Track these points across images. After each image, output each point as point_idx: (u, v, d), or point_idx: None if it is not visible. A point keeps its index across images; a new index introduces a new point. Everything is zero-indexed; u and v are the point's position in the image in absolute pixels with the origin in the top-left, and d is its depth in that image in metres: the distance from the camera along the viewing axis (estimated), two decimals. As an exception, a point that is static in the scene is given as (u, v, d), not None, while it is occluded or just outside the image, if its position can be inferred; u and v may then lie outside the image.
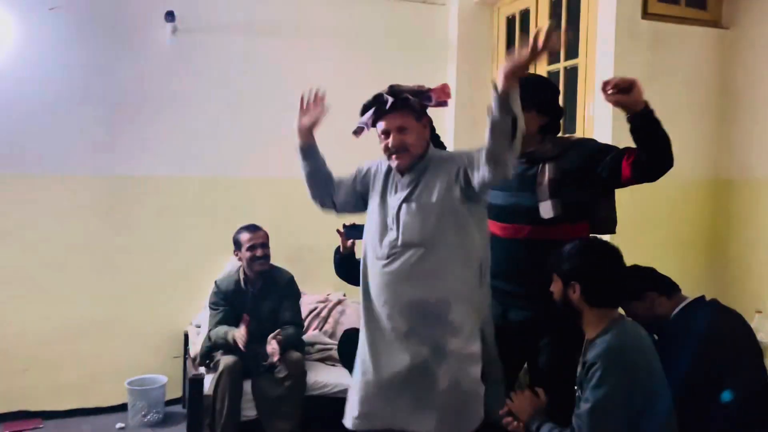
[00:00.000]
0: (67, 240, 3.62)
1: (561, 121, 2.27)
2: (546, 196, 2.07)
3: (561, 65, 3.63)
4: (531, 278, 2.06)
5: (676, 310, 2.13)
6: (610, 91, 1.89)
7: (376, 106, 2.04)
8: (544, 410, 1.89)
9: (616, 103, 1.92)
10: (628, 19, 3.11)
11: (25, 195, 3.54)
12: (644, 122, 1.89)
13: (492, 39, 4.29)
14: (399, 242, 2.01)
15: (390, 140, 2.02)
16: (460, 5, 4.23)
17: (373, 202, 2.17)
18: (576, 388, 1.83)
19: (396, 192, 2.09)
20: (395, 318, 2.01)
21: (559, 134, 2.26)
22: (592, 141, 2.25)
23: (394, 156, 2.05)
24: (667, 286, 2.18)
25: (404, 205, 2.03)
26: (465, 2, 4.23)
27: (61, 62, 3.55)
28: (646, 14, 3.16)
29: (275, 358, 2.96)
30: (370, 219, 2.17)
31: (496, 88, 1.73)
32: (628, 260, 2.82)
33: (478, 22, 4.27)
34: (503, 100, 1.72)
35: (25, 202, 3.55)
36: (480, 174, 1.87)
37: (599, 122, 3.22)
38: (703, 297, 2.18)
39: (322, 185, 2.29)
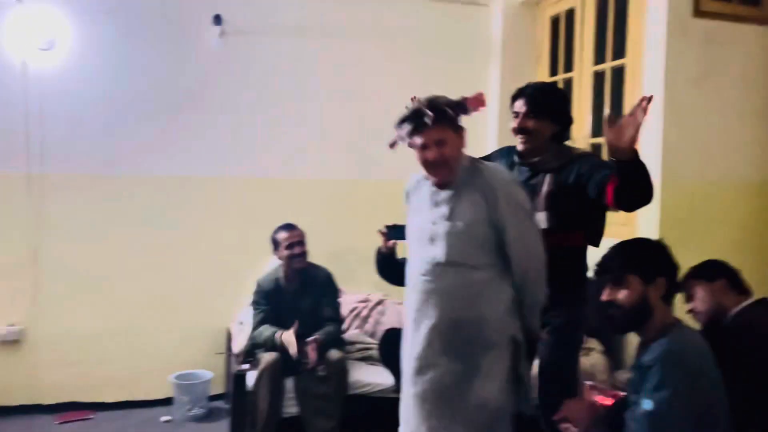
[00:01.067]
0: (117, 238, 3.73)
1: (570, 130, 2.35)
2: (542, 208, 2.17)
3: (608, 65, 3.57)
4: None
5: (740, 306, 2.09)
6: (645, 106, 1.84)
7: (414, 121, 1.98)
8: (602, 419, 1.85)
9: (625, 131, 1.84)
10: (680, 17, 3.04)
11: (76, 194, 3.67)
12: (632, 170, 1.88)
13: (536, 39, 4.24)
14: (442, 260, 1.99)
15: (429, 154, 1.98)
16: (504, 5, 4.19)
17: (416, 214, 2.14)
18: (628, 393, 1.79)
19: (436, 206, 2.05)
20: (433, 334, 2.00)
21: (568, 143, 2.32)
22: (590, 157, 2.29)
23: (432, 171, 2.02)
24: (739, 281, 2.16)
25: (447, 223, 2.00)
26: (509, 2, 4.20)
27: (112, 64, 3.67)
28: (698, 12, 3.08)
29: (312, 363, 3.01)
30: (412, 231, 2.15)
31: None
32: (680, 262, 2.77)
33: (522, 22, 4.23)
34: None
35: (76, 202, 3.67)
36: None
37: (647, 123, 3.13)
38: (766, 298, 2.12)
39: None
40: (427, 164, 2.00)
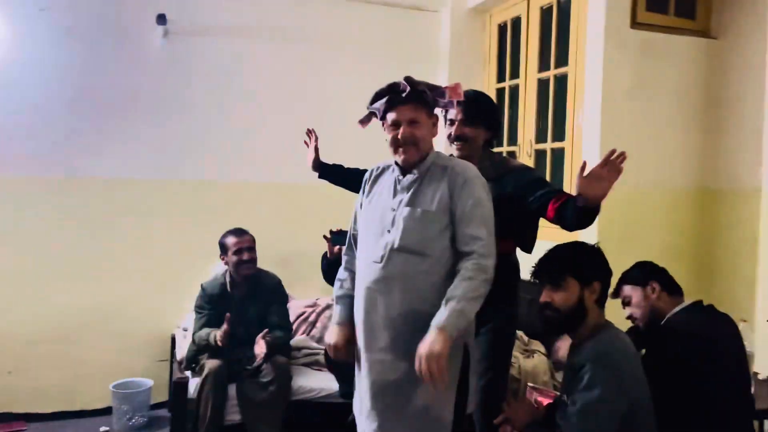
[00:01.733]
0: (54, 242, 3.60)
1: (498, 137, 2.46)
2: None
3: (551, 73, 3.65)
4: None
5: (675, 309, 2.14)
6: (620, 161, 1.90)
7: (390, 95, 1.96)
8: (541, 420, 1.88)
9: (599, 183, 1.89)
10: (617, 28, 3.13)
11: (11, 197, 3.53)
12: (593, 212, 1.95)
13: (484, 46, 4.31)
14: (397, 245, 1.93)
15: (400, 131, 1.95)
16: (452, 12, 4.25)
17: (370, 201, 2.09)
18: (560, 393, 1.83)
19: (396, 193, 2.01)
20: (380, 327, 1.94)
21: (495, 149, 2.40)
22: (529, 171, 2.38)
23: (401, 149, 1.97)
24: (672, 285, 2.20)
25: (407, 209, 1.95)
26: (457, 9, 4.25)
27: (50, 63, 3.55)
28: (635, 23, 3.18)
29: (260, 358, 2.95)
30: (365, 219, 2.09)
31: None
32: (616, 267, 2.85)
33: (470, 29, 4.29)
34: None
35: (12, 204, 3.53)
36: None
37: (588, 131, 3.23)
38: (700, 301, 2.18)
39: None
40: (397, 142, 1.97)
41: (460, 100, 2.05)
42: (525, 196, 2.18)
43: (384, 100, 1.98)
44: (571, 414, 1.66)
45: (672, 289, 2.20)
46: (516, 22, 4.02)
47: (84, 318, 3.66)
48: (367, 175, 2.17)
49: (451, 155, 2.30)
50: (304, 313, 3.83)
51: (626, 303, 2.21)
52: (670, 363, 1.96)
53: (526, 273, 2.10)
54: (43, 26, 3.50)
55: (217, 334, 2.97)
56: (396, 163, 2.04)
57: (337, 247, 2.92)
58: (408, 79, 1.95)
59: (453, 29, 4.25)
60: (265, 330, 3.06)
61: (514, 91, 4.02)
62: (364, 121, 2.08)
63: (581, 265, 1.81)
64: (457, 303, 1.78)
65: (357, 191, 2.45)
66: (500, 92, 4.18)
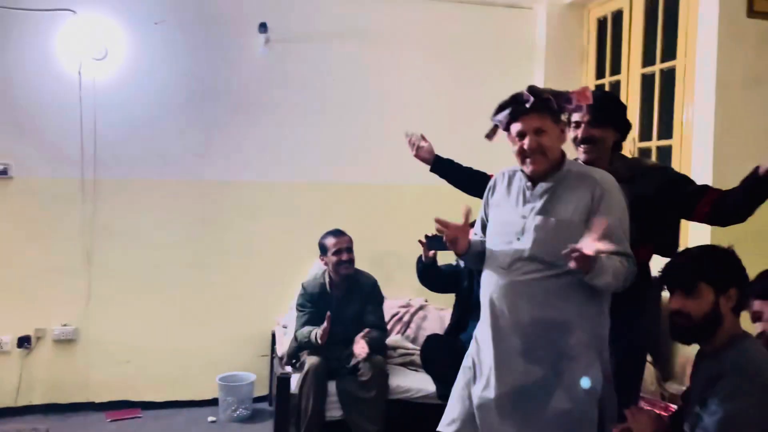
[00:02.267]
0: (166, 241, 3.83)
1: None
2: None
3: (657, 67, 3.48)
4: None
5: None
6: None
7: (513, 106, 1.92)
8: (664, 430, 1.79)
9: None
10: (733, 17, 2.93)
11: (128, 199, 3.78)
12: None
13: (581, 42, 4.17)
14: (527, 254, 1.90)
15: (526, 142, 1.90)
16: (548, 8, 4.14)
17: (499, 208, 2.06)
18: (685, 404, 1.73)
19: (525, 202, 1.97)
20: (508, 333, 1.93)
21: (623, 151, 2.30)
22: (668, 170, 2.28)
23: (528, 160, 1.92)
24: None
25: (539, 217, 1.92)
26: (554, 5, 4.14)
27: (164, 73, 3.78)
28: (752, 12, 2.96)
29: (363, 357, 3.01)
30: (493, 226, 2.07)
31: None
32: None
33: (567, 24, 4.17)
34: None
35: (129, 206, 3.79)
36: None
37: (698, 127, 3.06)
38: None
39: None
40: (524, 153, 1.93)
41: (590, 104, 1.96)
42: (670, 197, 2.09)
43: (508, 111, 1.93)
44: (709, 425, 1.56)
45: None
46: (617, 15, 3.86)
47: (192, 314, 3.86)
48: (492, 181, 2.15)
49: (576, 159, 2.23)
50: (398, 313, 3.86)
51: (756, 318, 1.99)
52: None
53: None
54: (158, 39, 3.74)
55: (318, 332, 3.05)
56: (522, 171, 2.00)
57: (432, 251, 2.94)
58: (531, 88, 1.91)
59: (549, 25, 4.15)
60: (366, 330, 3.11)
61: (615, 87, 3.86)
62: (490, 134, 2.03)
63: (716, 270, 1.68)
64: (608, 260, 1.81)
65: (466, 190, 2.42)
66: (600, 89, 4.03)
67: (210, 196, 3.88)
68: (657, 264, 2.08)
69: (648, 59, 3.57)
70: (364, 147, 4.03)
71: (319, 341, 3.04)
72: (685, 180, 2.18)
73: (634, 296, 2.04)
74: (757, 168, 1.93)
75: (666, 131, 3.40)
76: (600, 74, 4.04)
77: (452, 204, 2.25)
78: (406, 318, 3.82)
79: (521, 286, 1.91)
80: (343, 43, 3.99)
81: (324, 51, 3.96)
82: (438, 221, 2.01)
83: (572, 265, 1.76)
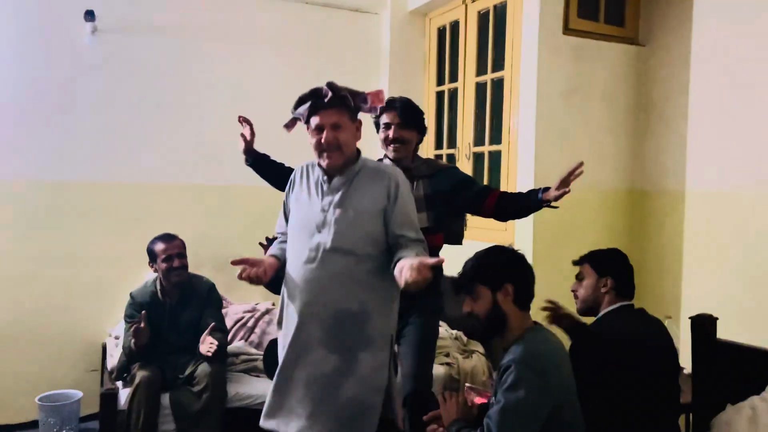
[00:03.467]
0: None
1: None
2: (423, 208, 2.40)
3: (488, 77, 3.71)
4: None
5: (607, 309, 2.15)
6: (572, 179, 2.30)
7: (313, 100, 2.00)
8: (471, 417, 1.89)
9: (560, 190, 2.31)
10: (551, 34, 3.21)
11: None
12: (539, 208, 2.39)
13: (424, 49, 4.34)
14: (328, 246, 1.98)
15: (323, 136, 1.98)
16: (392, 14, 4.26)
17: (299, 202, 2.12)
18: (491, 396, 1.85)
19: (323, 195, 2.05)
20: (312, 323, 2.01)
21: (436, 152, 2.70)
22: (457, 170, 2.63)
23: (326, 154, 2.01)
24: (626, 288, 2.19)
25: (338, 210, 2.01)
26: (397, 12, 4.27)
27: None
28: (567, 30, 3.26)
29: (211, 353, 2.87)
30: (294, 220, 2.12)
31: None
32: (550, 266, 2.90)
33: (410, 32, 4.32)
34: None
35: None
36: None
37: (523, 134, 3.30)
38: (632, 304, 2.19)
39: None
40: (321, 147, 2.00)
41: (383, 106, 2.15)
42: (458, 193, 2.46)
43: (307, 105, 2.00)
44: (494, 413, 1.68)
45: (623, 291, 2.19)
46: (454, 26, 4.07)
47: (9, 326, 3.47)
48: (293, 174, 2.21)
49: (385, 156, 2.50)
50: (242, 318, 3.75)
51: (579, 278, 2.23)
52: (595, 364, 2.00)
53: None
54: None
55: (129, 336, 2.89)
56: (320, 165, 2.07)
57: None
58: (330, 84, 1.99)
59: (393, 32, 4.27)
60: (211, 325, 2.97)
61: (454, 94, 4.06)
62: (289, 125, 2.11)
63: (489, 270, 1.83)
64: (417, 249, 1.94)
65: (277, 187, 2.48)
66: (440, 95, 4.22)
67: (29, 198, 3.51)
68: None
69: (481, 69, 3.80)
70: (203, 146, 3.86)
71: (133, 346, 2.86)
72: (472, 181, 2.58)
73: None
74: (543, 189, 2.35)
75: (497, 137, 3.63)
76: (440, 81, 4.23)
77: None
78: (250, 323, 3.72)
79: (326, 278, 1.99)
80: (181, 37, 3.79)
81: (159, 44, 3.74)
82: (235, 263, 2.01)
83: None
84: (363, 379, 2.00)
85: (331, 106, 1.98)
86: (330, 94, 1.96)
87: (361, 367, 2.01)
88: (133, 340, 2.87)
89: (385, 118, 2.46)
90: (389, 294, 2.06)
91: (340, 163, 2.02)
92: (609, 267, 2.19)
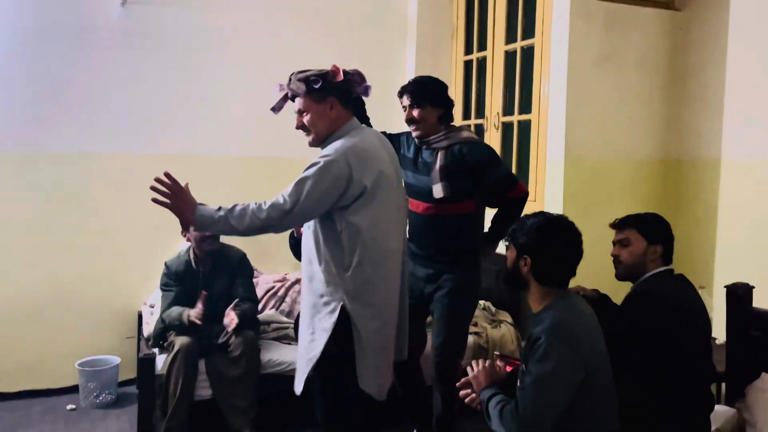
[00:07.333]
0: (18, 219, 3.51)
1: (453, 110, 2.66)
2: (438, 180, 2.50)
3: (518, 45, 3.65)
4: (429, 243, 2.59)
5: (648, 274, 2.12)
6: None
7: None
8: (501, 383, 1.91)
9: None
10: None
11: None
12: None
13: (452, 18, 4.27)
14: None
15: (296, 121, 2.17)
16: (419, -18, 4.19)
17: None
18: (521, 363, 1.86)
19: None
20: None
21: (454, 123, 2.68)
22: (479, 146, 2.61)
23: (304, 135, 2.19)
24: (670, 256, 2.17)
25: None
26: (425, -20, 4.20)
27: (7, 37, 3.41)
28: (586, -6, 3.17)
29: (231, 328, 2.94)
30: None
31: None
32: (583, 233, 2.88)
33: (437, 1, 4.25)
34: None
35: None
36: None
37: (554, 103, 3.25)
38: (671, 269, 2.17)
39: None
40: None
41: (340, 80, 2.13)
42: (484, 170, 2.52)
43: (281, 96, 2.20)
44: (526, 385, 1.69)
45: (668, 259, 2.17)
46: (484, -8, 3.99)
47: (49, 296, 3.59)
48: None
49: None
50: (273, 287, 3.81)
51: (623, 244, 2.16)
52: (634, 329, 1.99)
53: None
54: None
55: (191, 313, 2.95)
56: None
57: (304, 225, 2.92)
58: (290, 76, 2.12)
59: (420, 1, 4.20)
60: (235, 301, 3.04)
61: (482, 63, 4.01)
62: (276, 108, 2.24)
63: (518, 236, 1.84)
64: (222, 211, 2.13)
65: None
66: (468, 64, 4.17)
67: (65, 171, 3.58)
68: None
69: (510, 37, 3.73)
70: (233, 118, 3.88)
71: (197, 321, 2.93)
72: (497, 160, 2.59)
73: (462, 245, 2.59)
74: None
75: (526, 106, 3.59)
76: (468, 50, 4.17)
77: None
78: (281, 292, 3.79)
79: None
80: (209, 8, 3.79)
81: (187, 17, 3.74)
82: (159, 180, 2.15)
83: None
84: (311, 337, 2.23)
85: (293, 98, 2.15)
86: (284, 92, 2.14)
87: (315, 331, 2.21)
88: (194, 317, 2.94)
89: (402, 102, 2.61)
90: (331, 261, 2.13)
91: (316, 142, 2.16)
92: (659, 234, 2.15)
